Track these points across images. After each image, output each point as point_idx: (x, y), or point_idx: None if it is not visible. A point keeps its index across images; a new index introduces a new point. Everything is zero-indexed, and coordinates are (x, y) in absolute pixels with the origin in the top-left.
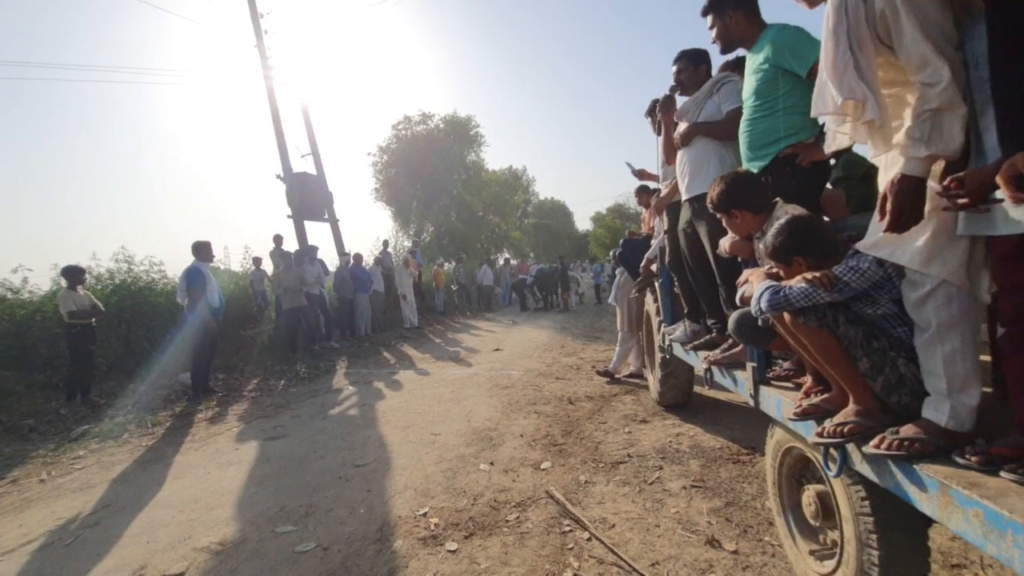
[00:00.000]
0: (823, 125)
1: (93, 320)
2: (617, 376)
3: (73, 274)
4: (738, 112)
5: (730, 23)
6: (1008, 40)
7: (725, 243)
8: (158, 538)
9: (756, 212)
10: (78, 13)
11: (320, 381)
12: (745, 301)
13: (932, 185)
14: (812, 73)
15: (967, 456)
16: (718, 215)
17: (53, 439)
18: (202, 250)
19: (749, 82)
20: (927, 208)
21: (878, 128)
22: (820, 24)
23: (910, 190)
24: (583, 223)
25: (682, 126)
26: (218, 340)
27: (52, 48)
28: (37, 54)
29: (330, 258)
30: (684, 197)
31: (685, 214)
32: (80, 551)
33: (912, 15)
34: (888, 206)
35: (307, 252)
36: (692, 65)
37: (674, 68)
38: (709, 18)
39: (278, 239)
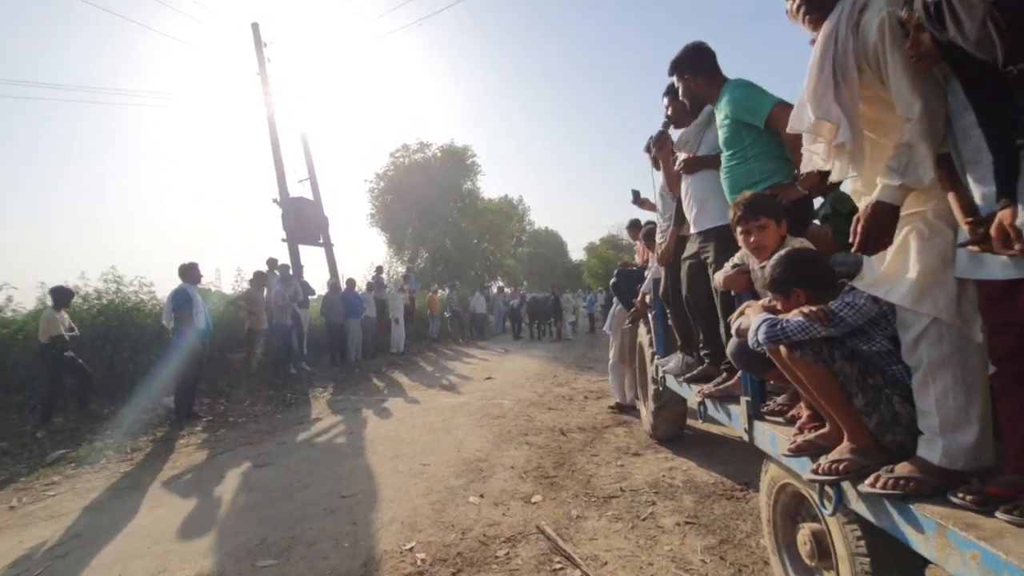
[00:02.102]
0: (797, 169)
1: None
2: (626, 403)
3: (62, 295)
4: None
5: (691, 85)
6: (986, 100)
7: (719, 277)
8: (131, 570)
9: (777, 222)
10: (74, 33)
11: (308, 407)
12: (741, 333)
13: (920, 228)
14: (769, 123)
15: (962, 496)
16: (747, 222)
17: (27, 463)
18: (189, 272)
19: (720, 134)
20: (916, 248)
21: (848, 152)
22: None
23: (881, 215)
24: (577, 253)
25: (683, 155)
26: (204, 364)
27: (42, 67)
28: (21, 72)
29: (324, 282)
30: (693, 230)
31: (692, 246)
32: None
33: (897, 50)
34: (859, 228)
35: (283, 272)
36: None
37: (664, 102)
38: (675, 78)
39: (272, 262)
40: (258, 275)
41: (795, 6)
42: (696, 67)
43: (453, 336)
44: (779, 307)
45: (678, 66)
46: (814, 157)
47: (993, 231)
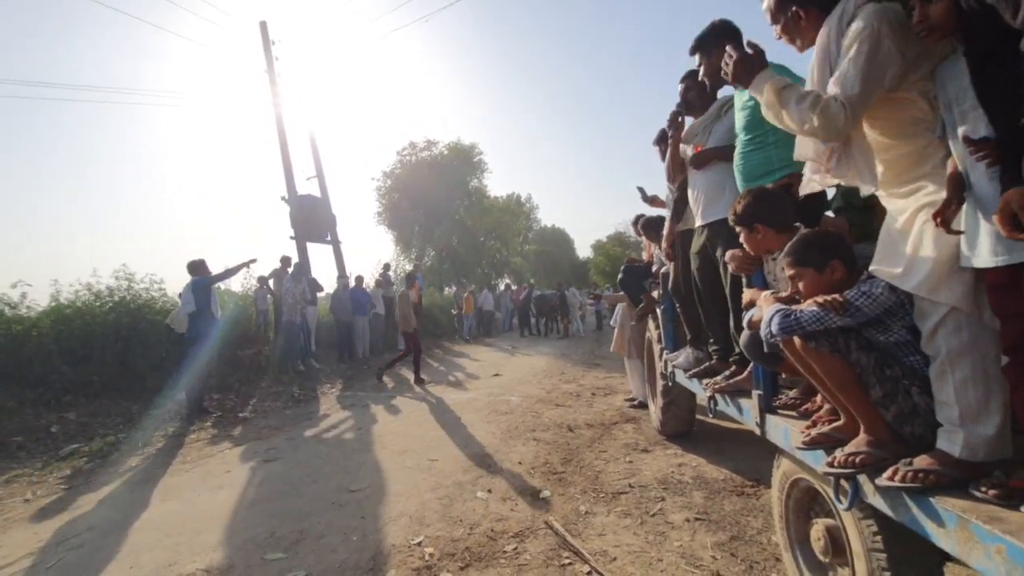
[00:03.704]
0: None
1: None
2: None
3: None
4: None
5: (716, 62)
6: (992, 76)
7: (730, 253)
8: (142, 563)
9: (778, 230)
10: (94, 34)
11: (316, 404)
12: (753, 325)
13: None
14: None
15: (984, 489)
16: (739, 229)
17: (41, 457)
18: (198, 268)
19: (739, 117)
20: (931, 236)
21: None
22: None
23: (751, 62)
24: (584, 251)
25: (688, 149)
26: (215, 360)
27: (57, 68)
28: (36, 73)
29: (332, 279)
30: (700, 223)
31: (699, 240)
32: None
33: (868, 38)
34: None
35: (296, 269)
36: (700, 84)
37: (681, 87)
38: (697, 56)
39: (286, 260)
40: (409, 277)
41: (779, 30)
42: (721, 45)
43: (459, 333)
44: (788, 292)
45: (702, 43)
46: (811, 183)
47: (997, 214)
